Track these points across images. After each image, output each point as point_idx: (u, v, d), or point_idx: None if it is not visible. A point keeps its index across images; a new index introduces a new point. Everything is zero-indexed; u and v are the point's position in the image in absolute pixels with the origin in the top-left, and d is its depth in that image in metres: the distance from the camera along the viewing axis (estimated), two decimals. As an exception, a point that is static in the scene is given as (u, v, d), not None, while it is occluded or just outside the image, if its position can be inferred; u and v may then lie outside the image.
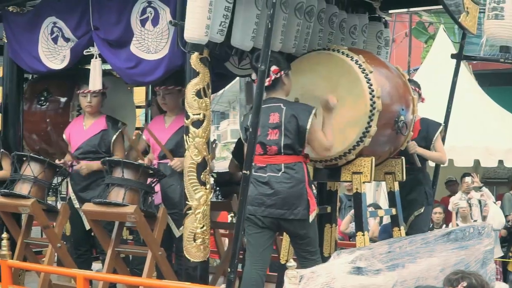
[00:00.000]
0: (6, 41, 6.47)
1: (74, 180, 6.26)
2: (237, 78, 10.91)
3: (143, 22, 5.66)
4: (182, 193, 5.73)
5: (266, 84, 5.07)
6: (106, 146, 6.27)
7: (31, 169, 5.82)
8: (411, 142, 6.45)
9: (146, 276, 5.45)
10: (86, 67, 6.90)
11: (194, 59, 5.28)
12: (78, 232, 6.39)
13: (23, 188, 5.80)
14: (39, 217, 5.76)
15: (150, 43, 5.62)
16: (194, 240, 5.30)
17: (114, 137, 6.26)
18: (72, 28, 6.05)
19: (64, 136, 6.44)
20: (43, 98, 7.02)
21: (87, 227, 6.20)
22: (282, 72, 5.23)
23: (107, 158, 5.69)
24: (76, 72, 6.67)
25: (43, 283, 5.82)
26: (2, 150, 6.30)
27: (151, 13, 5.62)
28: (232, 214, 7.35)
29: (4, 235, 5.73)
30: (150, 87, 7.73)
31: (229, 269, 4.56)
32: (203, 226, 5.31)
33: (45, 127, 6.85)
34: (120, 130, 6.30)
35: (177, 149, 5.85)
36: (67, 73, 6.46)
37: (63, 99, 7.07)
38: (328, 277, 4.37)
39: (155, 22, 5.61)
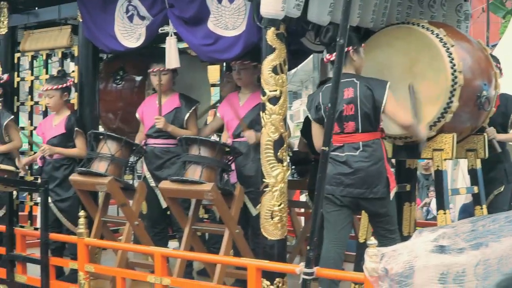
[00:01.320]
0: (81, 20, 6.57)
1: (149, 159, 6.35)
2: (310, 56, 10.88)
3: (220, -1, 5.69)
4: (258, 171, 5.78)
5: (324, 61, 5.04)
6: (180, 123, 6.33)
7: (108, 147, 5.92)
8: (490, 128, 6.33)
9: (223, 254, 5.51)
10: (160, 45, 7.02)
11: (270, 35, 5.28)
12: (155, 211, 6.48)
13: (100, 166, 5.92)
14: (116, 195, 5.87)
15: (227, 20, 5.65)
16: (272, 218, 5.32)
17: (188, 114, 6.32)
18: (147, 6, 6.12)
19: (137, 115, 6.54)
20: (118, 77, 7.17)
21: (164, 205, 6.32)
22: (350, 48, 5.15)
23: (184, 136, 5.74)
24: (151, 51, 6.76)
25: (121, 261, 5.95)
26: (76, 128, 6.41)
27: (225, -11, 5.64)
28: (307, 193, 7.32)
29: (81, 213, 5.86)
30: (224, 66, 7.77)
31: (308, 247, 4.56)
32: (281, 204, 5.32)
33: (121, 106, 6.98)
34: (194, 108, 6.35)
35: (252, 127, 5.89)
36: (142, 51, 6.56)
37: (138, 78, 7.20)
38: (410, 255, 4.32)
39: (231, -3, 5.62)
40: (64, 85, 6.48)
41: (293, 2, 5.08)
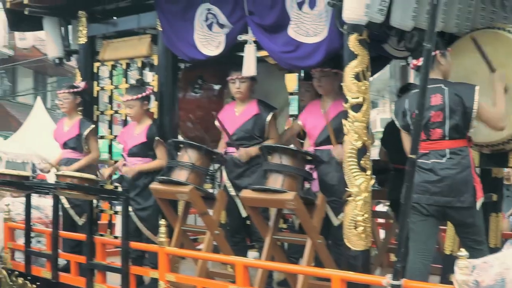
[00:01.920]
0: (161, 29, 6.65)
1: (229, 168, 6.38)
2: (387, 65, 10.77)
3: (300, 5, 5.70)
4: (341, 180, 5.76)
5: (411, 67, 4.97)
6: (260, 130, 6.35)
7: (189, 156, 5.97)
8: None
9: (305, 264, 5.48)
10: (238, 53, 7.05)
11: (352, 41, 5.26)
12: (234, 220, 6.51)
13: (180, 175, 5.96)
14: (197, 204, 5.90)
15: (308, 26, 5.64)
16: (355, 228, 5.29)
17: (268, 120, 6.33)
18: (226, 14, 6.17)
19: (216, 123, 6.56)
20: (197, 86, 7.22)
21: (244, 214, 6.33)
22: (437, 52, 5.06)
23: (265, 144, 5.75)
24: (229, 59, 6.79)
25: (201, 270, 5.96)
26: (157, 138, 6.48)
27: (308, -5, 5.64)
28: (389, 203, 7.24)
29: (162, 222, 5.91)
30: (302, 74, 7.75)
31: (396, 258, 4.49)
32: (364, 213, 5.29)
33: (200, 115, 7.03)
34: (272, 113, 6.36)
35: (336, 135, 5.85)
36: (220, 60, 6.60)
37: (217, 87, 7.26)
38: (501, 267, 4.22)
39: (312, 4, 5.63)
40: (144, 94, 6.56)
41: (376, 7, 5.03)
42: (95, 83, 7.48)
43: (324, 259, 5.66)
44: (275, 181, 5.52)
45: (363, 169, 5.29)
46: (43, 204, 8.59)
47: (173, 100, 6.77)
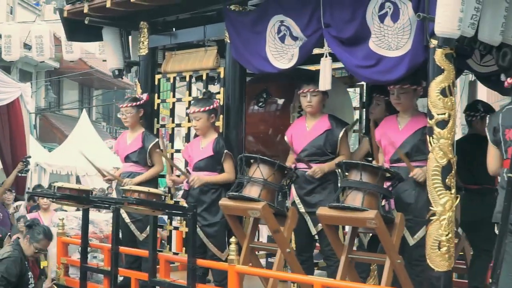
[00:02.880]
0: (229, 41, 6.66)
1: (299, 184, 6.35)
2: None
3: (381, 18, 5.69)
4: (418, 198, 5.75)
5: (505, 85, 4.93)
6: (332, 146, 6.34)
7: (261, 171, 5.94)
8: None
9: (384, 285, 5.43)
10: (303, 67, 7.06)
11: (439, 55, 5.26)
12: (303, 237, 6.48)
13: (252, 191, 5.95)
14: (269, 221, 5.88)
15: (390, 39, 5.63)
16: (439, 248, 5.26)
17: (340, 135, 6.30)
18: (301, 27, 6.16)
19: (286, 138, 6.56)
20: (262, 100, 7.21)
21: (313, 232, 6.30)
22: None
23: (344, 161, 5.71)
24: (294, 73, 6.80)
25: (271, 289, 5.92)
26: (226, 151, 6.47)
27: (390, 8, 5.64)
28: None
29: (233, 239, 5.88)
30: (365, 88, 7.71)
31: (490, 280, 4.45)
32: (448, 233, 5.27)
33: (264, 129, 7.01)
34: (345, 129, 6.33)
35: (414, 153, 5.82)
36: (285, 73, 6.60)
37: (282, 100, 7.23)
38: None
39: (395, 17, 5.62)
40: (211, 107, 6.56)
41: (468, 21, 5.01)
42: (155, 95, 7.47)
43: (402, 280, 5.60)
44: (354, 198, 5.48)
45: (448, 188, 5.27)
46: (97, 218, 8.60)
47: (240, 114, 6.76)
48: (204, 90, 6.85)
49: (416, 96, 6.02)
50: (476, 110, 6.89)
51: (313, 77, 6.53)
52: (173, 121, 7.45)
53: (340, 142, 6.34)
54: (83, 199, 6.75)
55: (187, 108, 7.02)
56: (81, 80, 29.01)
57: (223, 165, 6.56)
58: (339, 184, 5.68)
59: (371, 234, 6.54)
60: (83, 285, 7.20)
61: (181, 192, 7.79)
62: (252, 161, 6.11)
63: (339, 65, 7.71)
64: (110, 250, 6.85)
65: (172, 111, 7.47)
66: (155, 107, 7.50)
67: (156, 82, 7.52)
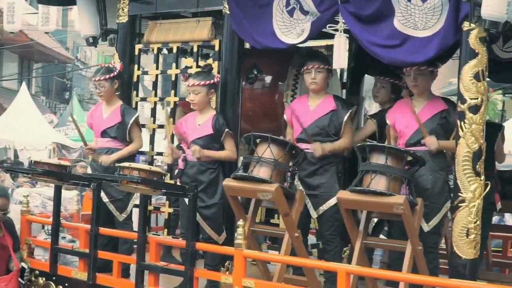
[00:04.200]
0: (228, 12, 6.39)
1: (300, 165, 6.17)
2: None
3: (409, -4, 5.56)
4: (434, 184, 5.72)
5: None
6: (336, 128, 6.23)
7: (271, 152, 5.75)
8: None
9: (406, 271, 5.37)
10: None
11: (473, 38, 5.22)
12: (300, 221, 6.25)
13: (262, 171, 5.75)
14: (280, 203, 5.71)
15: (417, 19, 5.53)
16: (467, 235, 5.25)
17: (345, 118, 6.18)
18: (316, 1, 5.94)
19: (285, 117, 6.40)
20: (252, 76, 6.99)
21: (313, 215, 6.20)
22: None
23: (368, 143, 5.60)
24: (287, 50, 6.60)
25: (280, 275, 5.75)
26: (227, 129, 6.22)
27: (417, -13, 5.52)
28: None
29: (240, 222, 5.67)
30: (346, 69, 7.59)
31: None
32: (476, 220, 5.25)
33: (252, 107, 6.81)
34: (350, 111, 6.22)
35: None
36: (277, 50, 6.39)
37: (274, 77, 7.01)
38: None
39: (424, -4, 5.50)
40: (212, 81, 6.27)
41: (515, 5, 4.96)
42: (135, 66, 7.10)
43: (421, 267, 5.55)
44: (378, 183, 5.38)
45: (478, 174, 5.25)
46: (68, 195, 8.13)
47: (238, 90, 6.51)
48: (205, 63, 6.55)
49: (433, 79, 5.97)
50: None
51: (314, 53, 6.40)
52: (155, 95, 7.09)
53: (345, 124, 6.22)
54: (65, 176, 6.36)
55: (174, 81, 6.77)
56: (21, 53, 28.32)
57: (222, 144, 6.30)
58: (359, 168, 5.53)
59: (376, 220, 6.49)
60: (53, 268, 6.79)
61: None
62: (259, 140, 5.91)
63: (320, 43, 7.63)
64: (90, 231, 6.48)
65: (155, 84, 7.11)
66: (135, 79, 7.13)
67: (137, 52, 7.14)
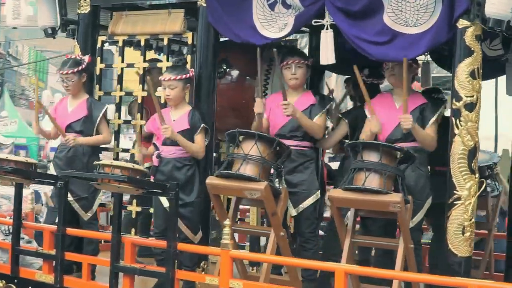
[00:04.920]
0: (204, 5, 6.19)
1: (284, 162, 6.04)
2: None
3: (401, -8, 5.53)
4: (418, 180, 5.72)
5: None
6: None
7: (258, 149, 5.62)
8: None
9: (399, 269, 5.34)
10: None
11: (469, 36, 5.26)
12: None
13: (248, 169, 5.59)
14: (269, 202, 5.59)
15: (408, 16, 5.51)
16: (463, 233, 5.28)
17: (321, 113, 6.08)
18: (301, -4, 5.82)
19: (264, 115, 6.22)
20: (221, 70, 6.81)
21: (292, 213, 6.13)
22: None
23: (362, 141, 5.54)
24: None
25: (266, 275, 5.64)
26: (203, 125, 6.03)
27: (414, -17, 5.50)
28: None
29: (227, 222, 5.50)
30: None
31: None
32: (472, 218, 5.29)
33: (219, 102, 6.63)
34: (327, 107, 6.15)
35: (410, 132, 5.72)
36: (247, 44, 6.26)
37: (243, 72, 6.86)
38: None
39: (417, -7, 5.48)
40: (188, 75, 6.07)
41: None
42: (98, 59, 6.79)
43: (411, 265, 5.54)
44: (373, 181, 5.33)
45: (473, 172, 5.29)
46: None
47: (212, 84, 6.31)
48: (180, 57, 6.32)
49: (412, 73, 5.95)
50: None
51: (293, 48, 6.30)
52: (121, 89, 6.81)
53: (321, 115, 6.10)
54: (34, 174, 6.04)
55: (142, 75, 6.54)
56: None
57: (195, 138, 6.11)
58: (352, 166, 5.46)
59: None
60: (14, 271, 6.43)
61: None
62: (243, 137, 5.76)
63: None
64: (57, 232, 6.16)
65: (120, 78, 6.82)
66: (98, 72, 6.82)
67: (99, 45, 6.83)
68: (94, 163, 5.80)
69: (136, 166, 5.61)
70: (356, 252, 6.51)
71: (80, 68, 6.49)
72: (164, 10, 6.53)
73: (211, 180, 5.72)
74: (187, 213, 6.06)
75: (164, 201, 6.07)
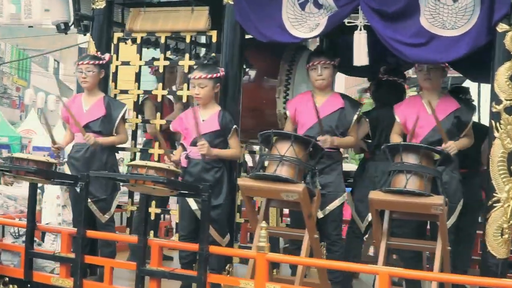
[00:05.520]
0: (232, 2, 6.11)
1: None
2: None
3: (443, -5, 5.56)
4: (451, 183, 5.76)
5: None
6: (344, 126, 6.09)
7: (294, 150, 5.58)
8: None
9: (438, 271, 5.38)
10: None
11: (509, 40, 5.31)
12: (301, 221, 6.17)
13: (285, 171, 5.55)
14: (306, 204, 5.55)
15: (445, 18, 5.54)
16: (501, 235, 5.35)
17: (355, 117, 6.08)
18: (336, -5, 5.79)
19: (288, 113, 6.19)
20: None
21: (319, 215, 6.06)
22: None
23: (402, 143, 5.55)
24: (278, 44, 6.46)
25: (301, 278, 5.61)
26: (235, 126, 5.97)
27: (457, -14, 5.53)
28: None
29: (263, 224, 5.46)
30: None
31: None
32: (510, 220, 5.36)
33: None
34: (359, 109, 6.14)
35: (451, 135, 5.77)
36: (266, 44, 6.22)
37: (263, 72, 6.80)
38: None
39: (459, -4, 5.51)
40: (218, 74, 5.97)
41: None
42: (114, 56, 6.64)
43: (446, 266, 5.58)
44: (415, 183, 5.34)
45: (512, 174, 5.35)
46: (21, 194, 7.44)
47: (239, 85, 6.24)
48: (213, 54, 6.20)
49: (444, 76, 5.99)
50: None
51: (319, 49, 6.27)
52: (138, 87, 6.67)
53: (353, 123, 6.12)
54: (54, 175, 5.88)
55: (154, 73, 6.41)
56: None
57: (226, 141, 6.03)
58: (391, 167, 5.45)
59: (370, 220, 6.38)
60: (28, 275, 6.24)
61: None
62: (276, 138, 5.70)
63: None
64: (77, 234, 6.01)
65: (138, 76, 6.68)
66: (113, 70, 6.68)
67: (115, 41, 6.68)
68: (126, 164, 5.68)
69: (171, 167, 5.51)
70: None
71: (100, 62, 6.35)
72: (186, 7, 6.43)
73: (244, 181, 5.67)
74: (215, 215, 5.97)
75: (192, 203, 5.98)
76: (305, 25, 5.97)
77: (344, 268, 5.70)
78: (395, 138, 6.03)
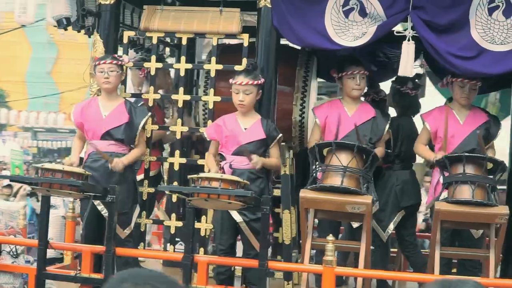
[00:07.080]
0: (269, 5, 5.89)
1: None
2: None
3: (490, 11, 5.76)
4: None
5: None
6: (377, 136, 6.10)
7: (356, 161, 5.51)
8: None
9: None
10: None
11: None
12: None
13: (348, 182, 5.48)
14: (369, 215, 5.52)
15: (495, 33, 5.75)
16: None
17: (387, 126, 6.10)
18: (385, 5, 5.79)
19: (317, 120, 6.08)
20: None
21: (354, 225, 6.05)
22: None
23: (453, 154, 5.63)
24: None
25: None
26: (280, 135, 5.76)
27: (502, 3, 5.75)
28: None
29: (330, 237, 5.34)
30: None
31: None
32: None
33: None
34: (390, 120, 6.16)
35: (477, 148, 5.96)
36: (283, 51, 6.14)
37: (279, 79, 6.58)
38: None
39: (508, 13, 5.70)
40: (261, 81, 5.73)
41: None
42: (124, 57, 6.10)
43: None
44: (479, 193, 5.48)
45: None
46: (7, 209, 6.53)
47: (274, 92, 6.01)
48: (254, 61, 5.87)
49: (476, 93, 6.18)
50: None
51: (354, 58, 6.24)
52: (155, 91, 6.19)
53: (385, 133, 6.14)
54: (90, 188, 5.34)
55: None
56: None
57: (266, 150, 5.81)
58: (452, 178, 5.53)
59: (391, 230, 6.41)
60: (44, 299, 5.60)
61: None
62: (330, 148, 5.57)
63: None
64: (106, 252, 5.49)
65: (152, 78, 6.18)
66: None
67: (126, 40, 6.16)
68: (188, 176, 5.27)
69: (235, 178, 5.22)
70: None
71: (122, 62, 5.85)
72: (213, 8, 6.08)
73: (306, 193, 5.51)
74: (259, 227, 5.72)
75: (236, 216, 5.70)
76: (347, 33, 5.91)
77: (413, 279, 5.71)
78: (421, 148, 6.13)
